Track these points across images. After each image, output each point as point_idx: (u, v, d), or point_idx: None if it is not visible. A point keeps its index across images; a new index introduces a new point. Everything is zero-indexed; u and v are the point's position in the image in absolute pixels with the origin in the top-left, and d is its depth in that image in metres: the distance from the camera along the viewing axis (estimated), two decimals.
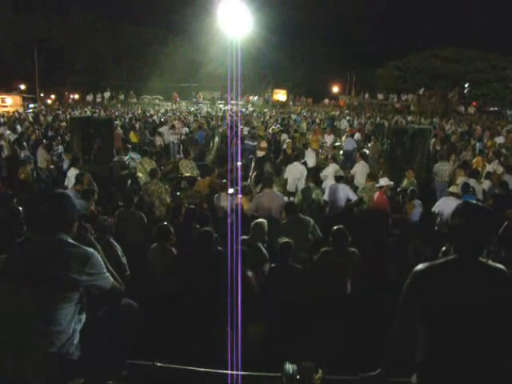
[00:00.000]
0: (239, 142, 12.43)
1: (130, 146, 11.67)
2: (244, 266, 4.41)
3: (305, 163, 11.27)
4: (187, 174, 9.45)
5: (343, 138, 17.03)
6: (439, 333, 2.03)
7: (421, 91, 39.99)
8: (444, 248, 4.50)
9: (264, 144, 13.44)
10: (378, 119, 26.04)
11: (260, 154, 13.02)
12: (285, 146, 13.75)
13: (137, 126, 18.83)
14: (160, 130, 17.80)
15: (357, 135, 17.96)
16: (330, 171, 9.49)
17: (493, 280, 2.02)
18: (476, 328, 1.97)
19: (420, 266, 2.11)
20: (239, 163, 10.28)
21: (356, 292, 4.91)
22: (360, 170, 9.88)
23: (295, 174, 9.52)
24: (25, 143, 13.00)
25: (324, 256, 4.95)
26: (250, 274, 4.48)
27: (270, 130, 17.42)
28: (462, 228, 2.10)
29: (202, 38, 42.66)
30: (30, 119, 22.90)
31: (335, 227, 5.05)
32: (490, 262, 2.05)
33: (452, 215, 2.16)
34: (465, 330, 1.97)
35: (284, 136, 15.60)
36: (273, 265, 4.85)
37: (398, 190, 8.88)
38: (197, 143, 14.47)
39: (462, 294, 1.98)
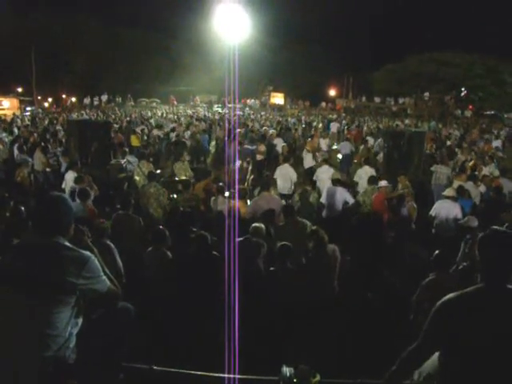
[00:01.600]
0: (237, 144, 12.39)
1: (126, 150, 11.63)
2: None
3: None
4: (182, 177, 9.45)
5: (341, 142, 16.93)
6: (463, 359, 2.02)
7: (425, 95, 40.12)
8: (437, 251, 4.51)
9: (262, 148, 13.42)
10: (380, 125, 25.78)
11: (259, 157, 13.02)
12: (280, 149, 13.76)
13: (138, 129, 18.74)
14: (155, 132, 17.87)
15: (369, 139, 17.41)
16: (322, 172, 9.63)
17: None
18: (502, 357, 1.95)
19: (449, 296, 2.10)
20: (237, 165, 10.28)
21: (352, 294, 4.92)
22: (364, 176, 9.88)
23: (285, 175, 9.61)
24: (24, 146, 12.95)
25: (308, 260, 5.01)
26: None
27: (262, 130, 17.43)
28: (491, 258, 2.08)
29: (200, 41, 42.65)
30: (27, 122, 22.85)
31: (310, 230, 5.14)
32: None
33: (480, 244, 2.13)
34: (490, 359, 1.96)
35: (277, 140, 15.27)
36: (272, 268, 4.85)
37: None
38: (185, 146, 14.40)
39: (491, 323, 1.97)
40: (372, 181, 8.46)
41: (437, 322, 2.10)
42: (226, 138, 13.63)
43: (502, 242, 2.07)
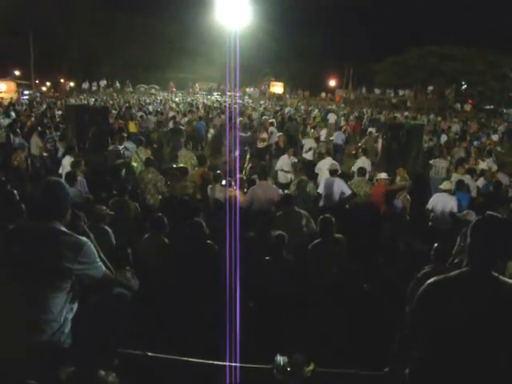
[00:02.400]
0: (237, 133, 12.30)
1: (125, 136, 11.56)
2: None
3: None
4: (181, 165, 9.40)
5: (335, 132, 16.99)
6: (443, 343, 2.01)
7: (429, 89, 40.01)
8: (436, 244, 4.51)
9: (264, 135, 13.31)
10: (377, 115, 25.72)
11: (261, 145, 12.91)
12: (276, 138, 13.76)
13: (138, 114, 18.62)
14: (151, 118, 17.86)
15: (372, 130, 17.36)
16: (325, 164, 9.63)
17: (505, 296, 1.98)
18: (482, 342, 1.95)
19: (433, 279, 2.09)
20: (236, 154, 10.27)
21: (348, 285, 4.93)
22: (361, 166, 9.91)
23: (284, 166, 10.08)
24: (18, 130, 12.86)
25: (313, 248, 5.02)
26: None
27: (262, 119, 17.43)
28: (483, 242, 2.06)
29: (200, 28, 42.24)
30: (24, 106, 22.70)
31: (321, 216, 5.16)
32: (502, 277, 2.01)
33: (474, 227, 2.10)
34: (470, 343, 1.95)
35: (272, 128, 15.22)
36: (267, 258, 4.84)
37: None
38: (182, 133, 14.35)
39: (472, 308, 1.96)
40: (361, 173, 8.46)
41: (422, 304, 2.10)
42: (228, 127, 13.55)
43: (496, 226, 2.05)
